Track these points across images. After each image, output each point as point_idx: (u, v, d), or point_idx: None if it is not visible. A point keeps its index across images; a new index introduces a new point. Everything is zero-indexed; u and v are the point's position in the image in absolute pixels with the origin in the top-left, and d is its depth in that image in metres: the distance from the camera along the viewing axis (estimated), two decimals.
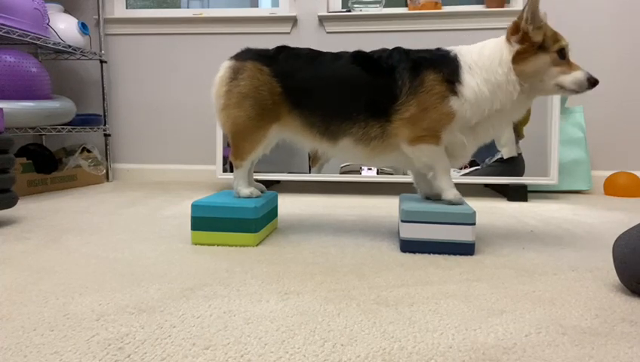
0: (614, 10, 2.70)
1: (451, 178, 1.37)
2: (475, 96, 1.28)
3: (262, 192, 1.51)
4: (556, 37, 1.28)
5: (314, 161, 2.44)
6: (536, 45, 1.26)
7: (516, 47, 1.27)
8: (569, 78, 1.27)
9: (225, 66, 1.43)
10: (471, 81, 1.28)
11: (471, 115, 1.29)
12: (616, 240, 1.01)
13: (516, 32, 1.27)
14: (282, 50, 1.44)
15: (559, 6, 2.73)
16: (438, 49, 1.36)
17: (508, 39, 1.29)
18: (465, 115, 1.29)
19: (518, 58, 1.27)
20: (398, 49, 1.38)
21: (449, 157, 1.38)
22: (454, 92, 1.28)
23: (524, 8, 1.25)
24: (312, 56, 1.42)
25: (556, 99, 2.27)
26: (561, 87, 1.29)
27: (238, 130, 1.41)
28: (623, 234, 1.00)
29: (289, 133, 1.45)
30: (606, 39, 2.72)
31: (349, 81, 1.36)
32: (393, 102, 1.31)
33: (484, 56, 1.30)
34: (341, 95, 1.36)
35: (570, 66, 1.28)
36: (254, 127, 1.40)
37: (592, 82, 1.26)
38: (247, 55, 1.43)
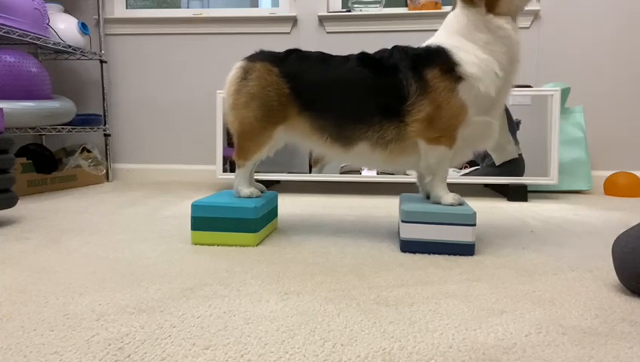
0: (614, 10, 2.70)
1: (446, 184, 1.37)
2: (479, 68, 1.26)
3: (262, 192, 1.51)
4: None
5: (315, 162, 2.44)
6: None
7: (482, 7, 1.27)
8: None
9: (236, 66, 1.44)
10: (467, 56, 1.27)
11: (486, 88, 1.26)
12: (615, 240, 1.01)
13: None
14: (292, 52, 1.44)
15: (559, 8, 2.73)
16: (416, 48, 1.36)
17: (471, 3, 1.28)
18: (477, 95, 1.27)
19: (491, 5, 1.27)
20: (396, 47, 1.37)
21: (478, 142, 1.37)
22: (459, 77, 1.26)
23: None
24: (321, 58, 1.42)
25: (556, 99, 2.27)
26: None
27: (244, 130, 1.41)
28: (622, 234, 1.01)
29: (297, 136, 1.44)
30: (606, 39, 2.72)
31: (357, 83, 1.35)
32: (403, 103, 1.30)
33: (456, 36, 1.30)
34: (352, 98, 1.35)
35: None
36: (260, 128, 1.40)
37: None
38: (258, 56, 1.44)
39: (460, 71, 1.26)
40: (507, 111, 2.32)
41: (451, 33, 1.31)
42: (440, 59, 1.28)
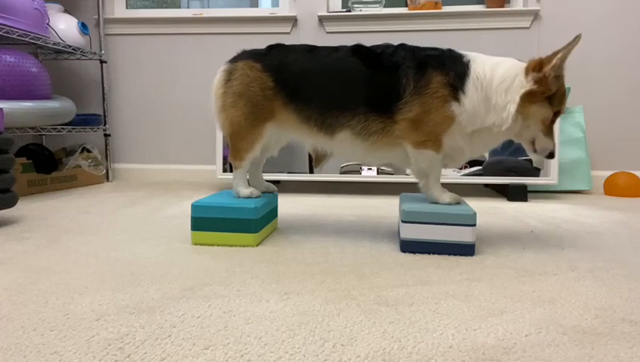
0: (614, 10, 2.70)
1: (440, 185, 1.37)
2: (473, 109, 1.28)
3: (272, 192, 1.53)
4: (562, 99, 1.27)
5: (317, 162, 2.44)
6: (547, 94, 1.24)
7: (531, 85, 1.23)
8: (542, 142, 1.29)
9: (220, 70, 1.45)
10: (473, 94, 1.27)
11: (466, 123, 1.29)
12: None
13: (538, 70, 1.23)
14: (275, 46, 1.44)
15: (560, 8, 2.73)
16: (450, 50, 1.34)
17: (527, 72, 1.25)
18: (462, 121, 1.29)
19: (526, 96, 1.24)
20: (403, 46, 1.36)
21: (448, 160, 1.38)
22: (456, 98, 1.27)
23: (557, 53, 1.21)
24: (305, 49, 1.41)
25: None
26: (532, 143, 1.31)
27: (234, 129, 1.42)
28: None
29: (287, 130, 1.44)
30: (606, 39, 2.72)
31: (348, 73, 1.35)
32: (396, 101, 1.30)
33: (496, 73, 1.27)
34: (339, 87, 1.35)
35: (550, 131, 1.30)
36: (250, 126, 1.40)
37: (551, 156, 1.32)
38: (241, 56, 1.45)
39: (460, 96, 1.27)
40: None
41: (492, 70, 1.28)
42: (455, 73, 1.28)
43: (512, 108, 1.25)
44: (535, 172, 2.35)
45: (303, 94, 1.37)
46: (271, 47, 1.44)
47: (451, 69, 1.29)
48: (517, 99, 1.24)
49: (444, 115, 1.28)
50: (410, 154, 1.34)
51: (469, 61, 1.30)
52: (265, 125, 1.41)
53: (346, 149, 1.43)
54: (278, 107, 1.39)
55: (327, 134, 1.39)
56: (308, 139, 1.44)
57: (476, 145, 1.35)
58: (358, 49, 1.38)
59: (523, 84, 1.25)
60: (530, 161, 2.35)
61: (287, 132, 1.45)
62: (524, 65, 1.28)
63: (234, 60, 1.44)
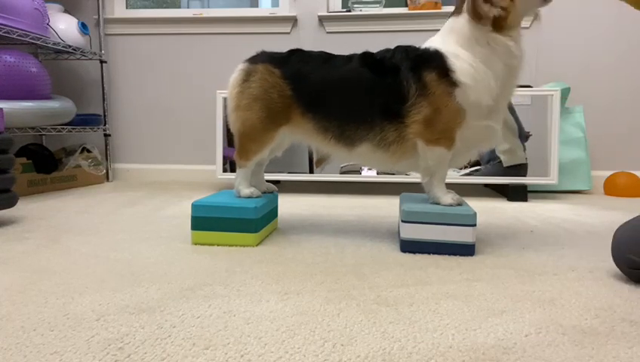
0: (614, 10, 2.70)
1: (444, 185, 1.36)
2: (472, 78, 1.25)
3: (271, 193, 1.53)
4: None
5: (318, 163, 2.44)
6: (508, 2, 1.23)
7: (495, 12, 1.22)
8: None
9: (238, 69, 1.44)
10: (462, 65, 1.25)
11: (478, 97, 1.25)
12: (616, 230, 1.07)
13: (480, 16, 1.24)
14: (294, 52, 1.44)
15: (559, 8, 2.73)
16: (416, 48, 1.34)
17: (475, 15, 1.25)
18: (470, 102, 1.26)
19: (499, 24, 1.24)
20: (398, 48, 1.36)
21: (479, 144, 1.36)
22: (454, 84, 1.25)
23: None
24: (323, 58, 1.41)
25: (556, 99, 2.27)
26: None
27: (246, 130, 1.42)
28: (623, 223, 1.07)
29: (302, 136, 1.44)
30: (606, 39, 2.72)
31: (359, 84, 1.34)
32: (403, 104, 1.30)
33: (455, 45, 1.27)
34: (353, 99, 1.35)
35: None
36: (263, 129, 1.40)
37: None
38: (260, 58, 1.44)
39: (454, 77, 1.26)
40: (517, 119, 2.33)
41: (451, 41, 1.29)
42: (436, 63, 1.28)
43: (504, 40, 1.24)
44: (510, 171, 2.33)
45: (320, 105, 1.37)
46: (291, 53, 1.43)
47: (432, 61, 1.28)
48: (497, 38, 1.24)
49: (454, 109, 1.26)
50: (421, 151, 1.32)
51: (436, 49, 1.29)
52: (278, 130, 1.41)
53: (370, 161, 1.43)
54: (295, 115, 1.39)
55: (345, 146, 1.39)
56: (325, 148, 1.44)
57: (503, 106, 1.32)
58: (365, 57, 1.37)
59: (486, 29, 1.25)
60: (500, 162, 2.34)
61: (300, 138, 1.45)
62: (463, 20, 1.28)
63: (253, 61, 1.43)
